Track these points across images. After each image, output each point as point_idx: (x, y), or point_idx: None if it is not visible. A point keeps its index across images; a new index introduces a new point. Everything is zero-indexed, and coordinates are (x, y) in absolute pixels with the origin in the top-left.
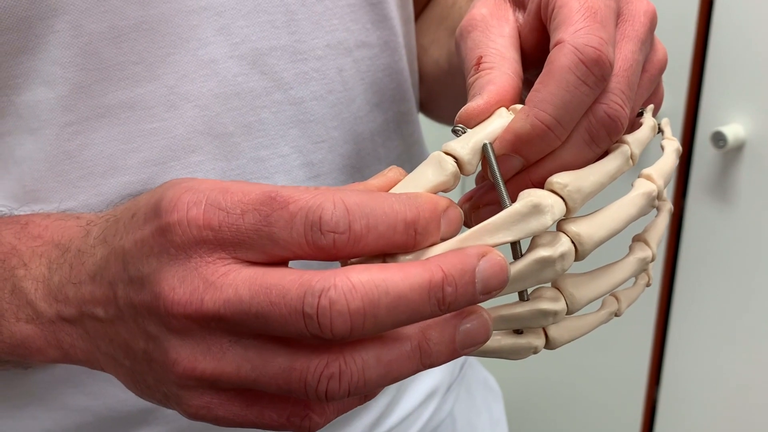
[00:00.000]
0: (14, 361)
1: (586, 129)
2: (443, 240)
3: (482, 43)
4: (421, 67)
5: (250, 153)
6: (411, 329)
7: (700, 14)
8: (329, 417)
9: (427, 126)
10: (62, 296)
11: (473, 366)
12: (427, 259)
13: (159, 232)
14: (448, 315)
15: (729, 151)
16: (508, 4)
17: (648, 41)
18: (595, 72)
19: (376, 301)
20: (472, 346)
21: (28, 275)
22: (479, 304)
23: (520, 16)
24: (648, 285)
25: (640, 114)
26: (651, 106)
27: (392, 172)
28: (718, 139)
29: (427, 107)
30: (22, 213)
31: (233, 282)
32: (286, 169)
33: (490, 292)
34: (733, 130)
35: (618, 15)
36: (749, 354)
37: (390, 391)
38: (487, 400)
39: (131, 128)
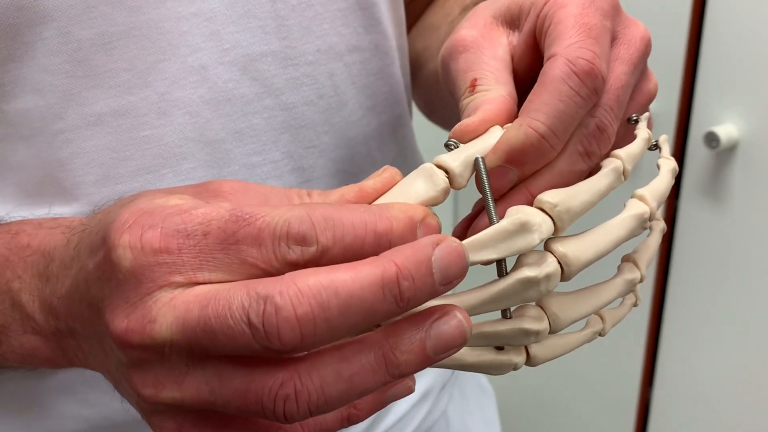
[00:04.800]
0: (26, 366)
1: (579, 141)
2: None
3: (475, 65)
4: (420, 71)
5: (242, 159)
6: (373, 338)
7: (693, 14)
8: None
9: (420, 130)
10: (52, 310)
11: None
12: (381, 254)
13: (108, 256)
14: (414, 318)
15: (722, 152)
16: (501, 28)
17: (640, 67)
18: (588, 84)
19: (326, 303)
20: (447, 350)
21: (24, 288)
22: (452, 304)
23: (513, 39)
24: (635, 305)
25: (636, 121)
26: (647, 114)
27: (387, 172)
28: (711, 139)
29: (430, 112)
30: (12, 220)
31: (185, 299)
32: (277, 174)
33: (450, 282)
34: (726, 131)
35: (614, 38)
36: (742, 353)
37: None
38: (480, 400)
39: (123, 136)
